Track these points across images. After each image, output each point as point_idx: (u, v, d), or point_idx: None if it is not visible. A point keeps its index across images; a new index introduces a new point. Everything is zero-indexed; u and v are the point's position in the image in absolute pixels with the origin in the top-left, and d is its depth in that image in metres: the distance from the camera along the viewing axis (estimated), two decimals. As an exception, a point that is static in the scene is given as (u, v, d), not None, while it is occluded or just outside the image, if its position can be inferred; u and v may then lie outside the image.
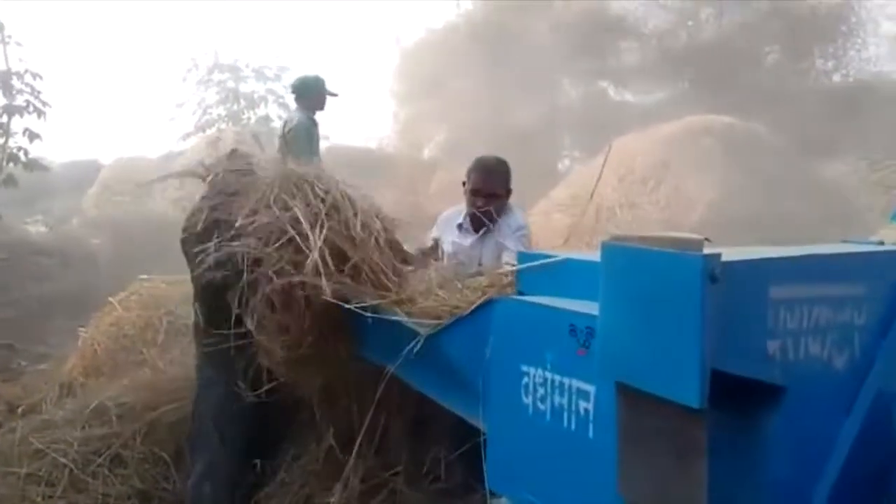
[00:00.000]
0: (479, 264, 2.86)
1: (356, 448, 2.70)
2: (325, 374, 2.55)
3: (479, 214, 3.00)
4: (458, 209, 3.24)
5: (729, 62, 13.59)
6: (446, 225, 3.25)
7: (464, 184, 3.19)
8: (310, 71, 5.68)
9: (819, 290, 1.40)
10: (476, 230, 3.06)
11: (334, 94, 5.55)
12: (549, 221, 7.60)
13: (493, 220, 2.99)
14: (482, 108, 14.11)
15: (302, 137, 5.27)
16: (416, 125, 16.54)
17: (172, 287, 4.16)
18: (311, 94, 5.49)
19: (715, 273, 1.14)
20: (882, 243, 1.78)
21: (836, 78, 15.24)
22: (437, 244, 3.19)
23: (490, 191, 3.04)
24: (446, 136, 15.87)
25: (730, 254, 1.22)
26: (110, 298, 4.25)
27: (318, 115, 5.55)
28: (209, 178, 2.90)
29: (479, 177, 3.07)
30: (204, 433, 2.87)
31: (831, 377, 1.44)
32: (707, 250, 1.16)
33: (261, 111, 14.66)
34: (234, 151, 3.11)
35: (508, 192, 3.13)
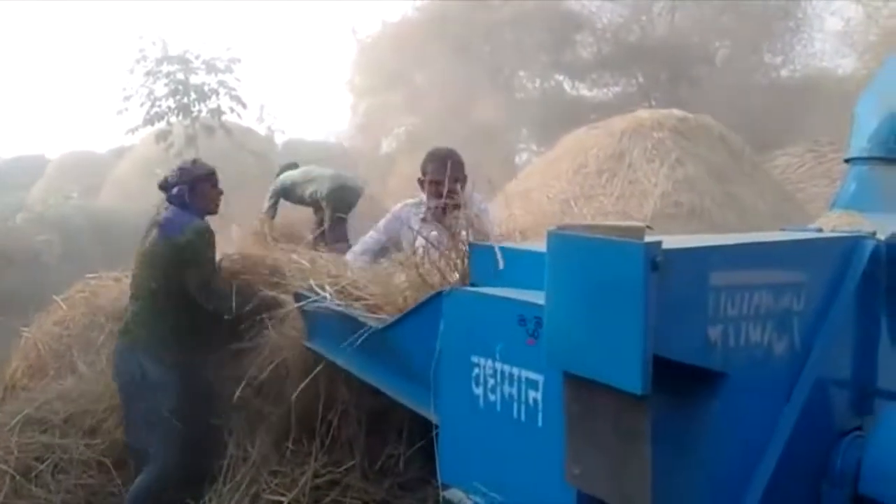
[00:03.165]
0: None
1: (316, 443, 2.69)
2: None
3: (446, 204, 2.94)
4: (413, 203, 3.23)
5: (681, 57, 13.86)
6: (408, 217, 3.18)
7: (420, 180, 3.17)
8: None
9: (759, 276, 1.42)
10: (437, 220, 3.02)
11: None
12: (506, 214, 7.62)
13: (457, 208, 2.95)
14: (440, 102, 14.11)
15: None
16: (375, 118, 16.45)
17: (120, 285, 4.05)
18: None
19: (656, 261, 1.15)
20: (821, 230, 1.82)
21: (784, 72, 15.68)
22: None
23: (452, 178, 3.02)
24: (405, 130, 15.83)
25: (671, 242, 1.23)
26: (55, 297, 4.11)
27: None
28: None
29: (437, 167, 3.07)
30: (147, 433, 2.82)
31: (771, 363, 1.47)
32: (648, 238, 1.16)
33: (212, 103, 14.31)
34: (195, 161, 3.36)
35: (464, 178, 3.13)
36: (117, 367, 3.00)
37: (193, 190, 3.08)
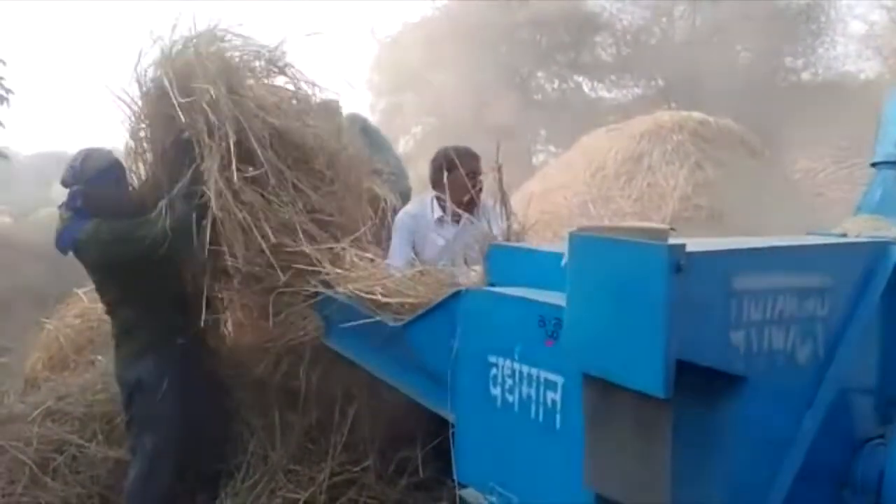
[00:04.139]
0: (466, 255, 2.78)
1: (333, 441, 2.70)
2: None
3: (473, 199, 2.88)
4: (419, 207, 3.10)
5: (702, 59, 13.74)
6: (417, 226, 3.05)
7: (434, 178, 3.08)
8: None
9: (782, 281, 1.41)
10: (460, 217, 2.90)
11: None
12: (523, 215, 7.60)
13: (476, 205, 2.90)
14: (458, 102, 14.09)
15: None
16: (393, 118, 16.48)
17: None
18: None
19: (680, 263, 1.14)
20: (845, 235, 1.80)
21: (806, 76, 15.50)
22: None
23: (479, 170, 2.98)
24: (422, 129, 15.85)
25: (694, 244, 1.22)
26: (75, 290, 4.15)
27: None
28: None
29: (468, 159, 2.98)
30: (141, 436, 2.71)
31: (793, 368, 1.45)
32: (672, 241, 1.16)
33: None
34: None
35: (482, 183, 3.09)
36: (117, 376, 2.81)
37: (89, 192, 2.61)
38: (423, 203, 3.11)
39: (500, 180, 2.19)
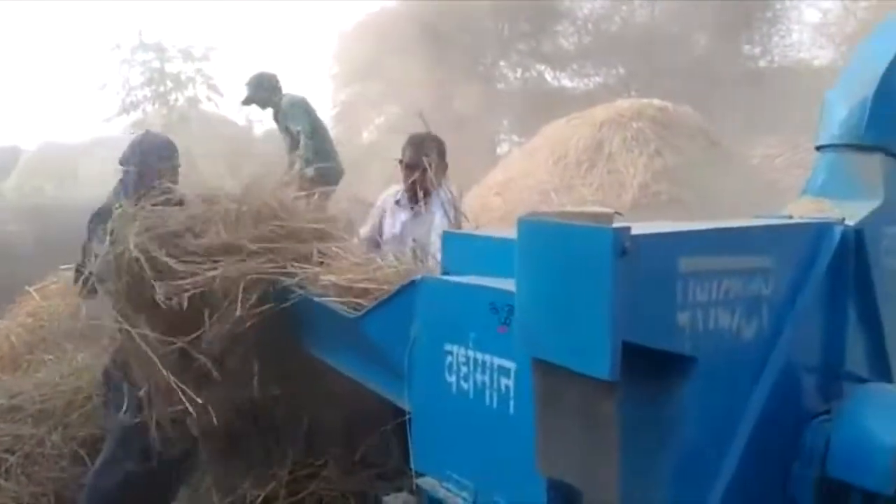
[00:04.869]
0: (413, 240, 2.88)
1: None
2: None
3: (415, 187, 3.11)
4: (394, 190, 3.31)
5: (661, 48, 13.90)
6: (383, 208, 3.33)
7: (400, 161, 3.24)
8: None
9: (727, 262, 1.43)
10: (414, 202, 3.12)
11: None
12: (486, 204, 7.64)
13: (427, 193, 3.07)
14: (420, 92, 14.03)
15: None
16: (355, 108, 16.35)
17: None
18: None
19: (625, 246, 1.15)
20: (790, 217, 1.84)
21: (763, 63, 15.79)
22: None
23: (421, 162, 3.06)
24: (385, 119, 15.75)
25: (640, 228, 1.23)
26: (27, 288, 4.05)
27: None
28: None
29: (410, 151, 3.17)
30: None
31: (740, 348, 1.48)
32: (617, 224, 1.16)
33: (189, 92, 14.10)
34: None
35: (444, 165, 3.17)
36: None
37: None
38: (400, 185, 3.31)
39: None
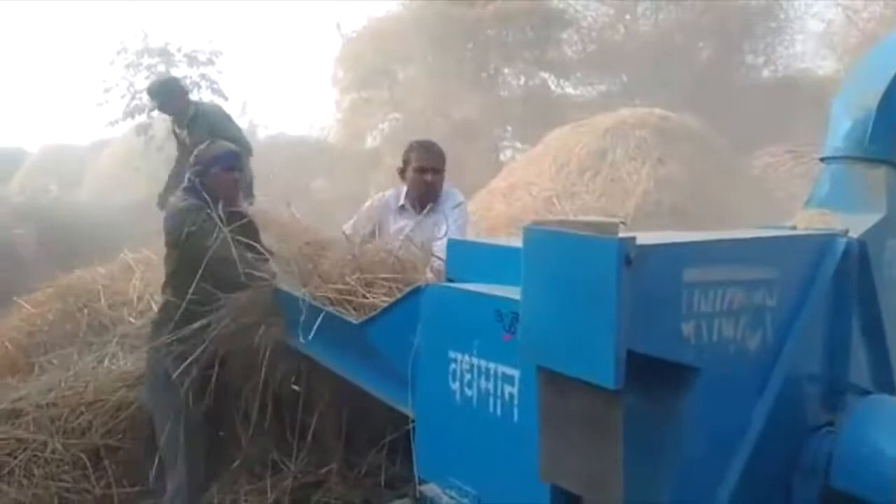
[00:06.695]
0: (422, 244, 2.88)
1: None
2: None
3: (428, 190, 3.08)
4: (393, 194, 3.27)
5: (664, 56, 13.93)
6: (384, 210, 3.25)
7: (400, 169, 3.22)
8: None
9: (732, 273, 1.44)
10: (422, 208, 3.09)
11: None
12: (489, 211, 7.64)
13: (435, 198, 3.08)
14: (424, 98, 14.07)
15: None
16: (358, 114, 16.38)
17: (97, 279, 4.00)
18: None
19: (630, 256, 1.16)
20: (794, 228, 1.85)
21: (766, 73, 15.81)
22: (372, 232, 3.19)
23: (436, 166, 3.11)
24: (388, 125, 15.78)
25: (645, 238, 1.24)
26: (15, 298, 4.03)
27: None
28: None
29: (422, 154, 3.14)
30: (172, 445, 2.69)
31: (744, 358, 1.48)
32: (622, 234, 1.17)
33: (193, 97, 14.08)
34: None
35: (443, 173, 3.18)
36: (148, 363, 2.85)
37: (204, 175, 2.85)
38: (397, 191, 3.26)
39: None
